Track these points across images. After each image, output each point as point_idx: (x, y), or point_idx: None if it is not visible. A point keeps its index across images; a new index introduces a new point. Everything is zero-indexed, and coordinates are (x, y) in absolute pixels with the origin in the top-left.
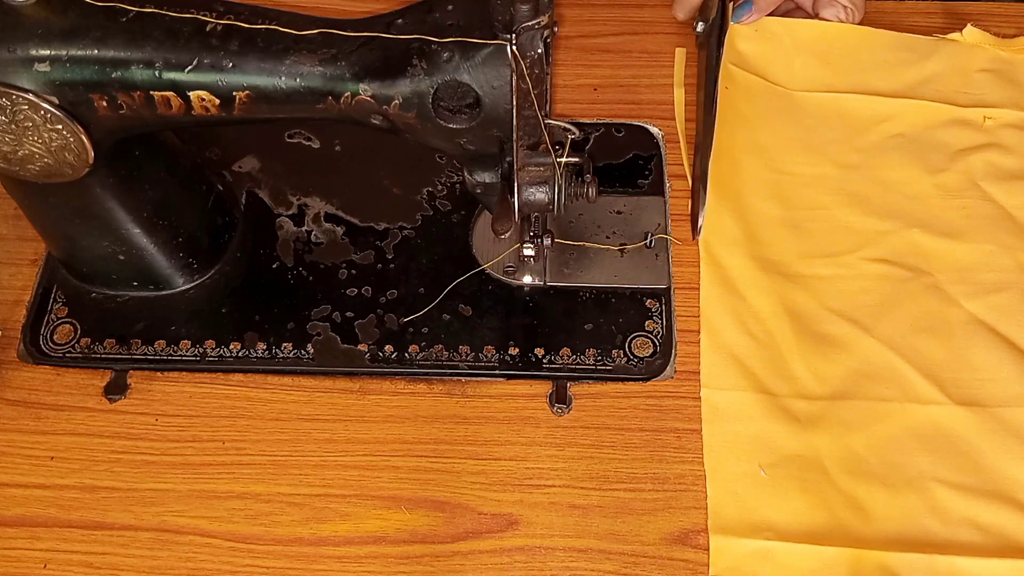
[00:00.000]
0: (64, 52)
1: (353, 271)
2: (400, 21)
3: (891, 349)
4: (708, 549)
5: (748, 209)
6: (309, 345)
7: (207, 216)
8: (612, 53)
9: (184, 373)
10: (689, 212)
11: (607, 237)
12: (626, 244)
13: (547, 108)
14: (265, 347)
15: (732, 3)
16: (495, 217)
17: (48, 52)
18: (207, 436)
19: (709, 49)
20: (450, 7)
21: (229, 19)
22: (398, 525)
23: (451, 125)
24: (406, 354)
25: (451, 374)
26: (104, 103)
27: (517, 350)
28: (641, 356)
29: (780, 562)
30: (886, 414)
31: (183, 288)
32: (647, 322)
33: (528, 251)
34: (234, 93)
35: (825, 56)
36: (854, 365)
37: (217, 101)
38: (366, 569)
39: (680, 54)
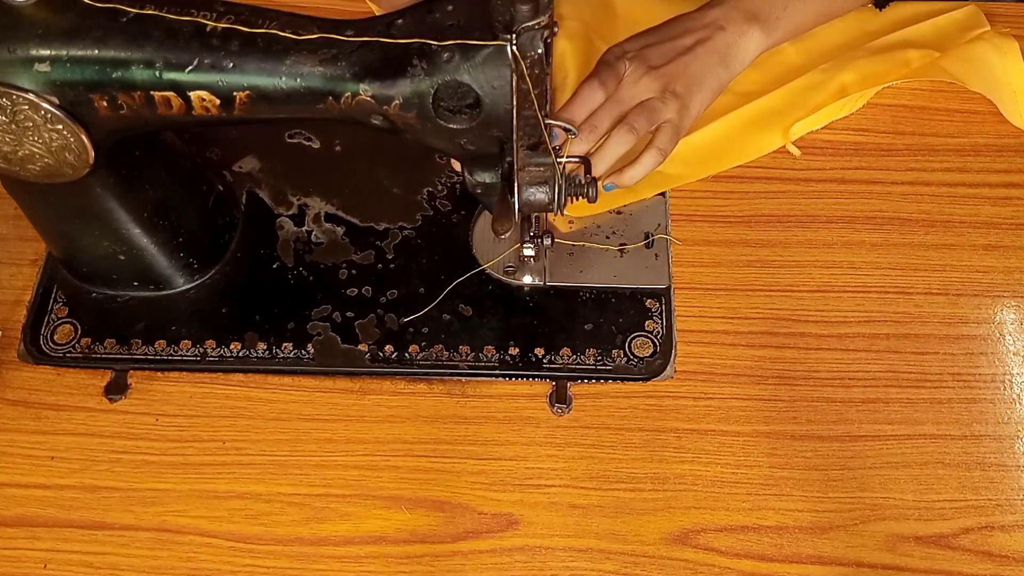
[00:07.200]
0: (64, 52)
1: (353, 271)
2: (400, 21)
3: None
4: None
5: None
6: (309, 345)
7: (207, 216)
8: None
9: (184, 373)
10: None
11: (607, 237)
12: (626, 244)
13: (547, 108)
14: (265, 347)
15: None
16: (495, 217)
17: (48, 52)
18: (207, 436)
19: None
20: (450, 7)
21: (229, 19)
22: (398, 525)
23: (451, 125)
24: (406, 354)
25: (451, 374)
26: (104, 103)
27: (517, 350)
28: (641, 356)
29: None
30: None
31: (183, 288)
32: (647, 322)
33: (528, 251)
34: (234, 93)
35: None
36: None
37: (217, 101)
38: (366, 569)
39: None
